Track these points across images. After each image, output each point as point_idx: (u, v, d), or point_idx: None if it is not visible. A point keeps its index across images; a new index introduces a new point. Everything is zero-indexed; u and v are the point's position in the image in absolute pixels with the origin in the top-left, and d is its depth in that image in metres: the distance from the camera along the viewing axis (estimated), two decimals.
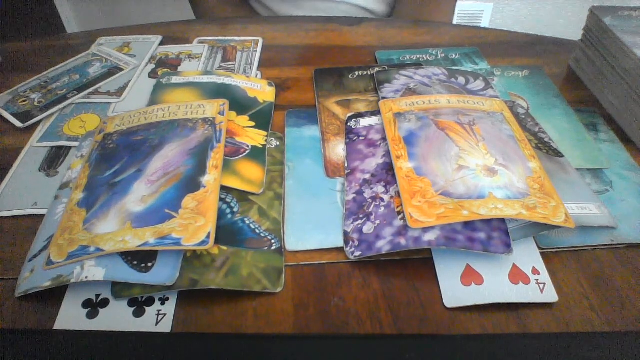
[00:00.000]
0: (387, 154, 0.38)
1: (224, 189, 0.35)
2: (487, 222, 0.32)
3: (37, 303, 0.30)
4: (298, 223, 0.35)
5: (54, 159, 0.40)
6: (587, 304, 0.30)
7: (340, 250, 0.33)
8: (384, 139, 0.40)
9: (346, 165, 0.39)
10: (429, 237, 0.31)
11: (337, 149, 0.41)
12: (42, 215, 0.35)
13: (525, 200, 0.32)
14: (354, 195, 0.36)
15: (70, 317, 0.29)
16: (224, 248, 0.32)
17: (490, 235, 0.31)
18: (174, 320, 0.29)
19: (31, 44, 0.57)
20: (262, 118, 0.44)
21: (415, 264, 0.32)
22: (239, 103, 0.45)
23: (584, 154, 0.40)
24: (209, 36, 0.58)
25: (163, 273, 0.30)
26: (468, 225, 0.32)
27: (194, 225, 0.31)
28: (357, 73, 0.50)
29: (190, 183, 0.34)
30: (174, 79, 0.48)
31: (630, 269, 0.32)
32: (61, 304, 0.30)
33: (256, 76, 0.51)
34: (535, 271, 0.31)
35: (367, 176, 0.37)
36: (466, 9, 1.50)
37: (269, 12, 0.74)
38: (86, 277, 0.29)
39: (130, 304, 0.30)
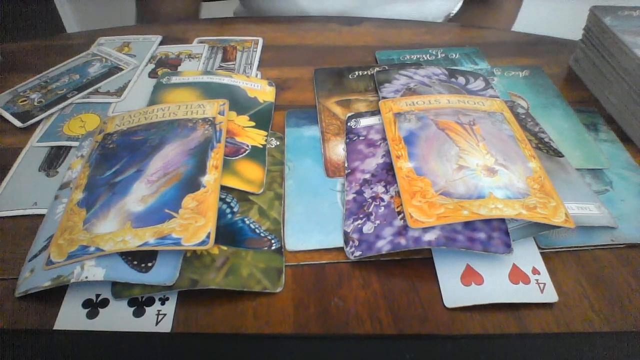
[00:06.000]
0: (387, 153, 0.38)
1: (224, 189, 0.35)
2: (487, 222, 0.32)
3: (37, 303, 0.30)
4: (298, 223, 0.35)
5: (54, 159, 0.40)
6: (587, 304, 0.30)
7: (340, 250, 0.33)
8: (384, 139, 0.40)
9: (346, 165, 0.39)
10: (429, 237, 0.31)
11: (337, 149, 0.41)
12: (42, 215, 0.35)
13: (525, 200, 0.32)
14: (354, 195, 0.36)
15: (70, 317, 0.29)
16: (224, 248, 0.32)
17: (490, 235, 0.31)
18: (174, 320, 0.29)
19: (31, 44, 0.57)
20: (262, 118, 0.44)
21: (415, 264, 0.32)
22: (239, 103, 0.45)
23: (584, 154, 0.40)
24: (209, 36, 0.58)
25: (163, 273, 0.30)
26: (468, 225, 0.32)
27: (194, 225, 0.31)
28: (357, 73, 0.50)
29: (190, 183, 0.34)
30: (174, 79, 0.48)
31: (630, 269, 0.32)
32: (61, 304, 0.30)
33: (256, 76, 0.51)
34: (535, 271, 0.31)
35: (367, 176, 0.37)
36: None
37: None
38: (86, 277, 0.29)
39: (130, 304, 0.29)
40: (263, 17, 0.69)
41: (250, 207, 0.35)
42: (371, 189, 0.36)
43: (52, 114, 0.45)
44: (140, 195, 0.33)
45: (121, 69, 0.51)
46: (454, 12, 0.79)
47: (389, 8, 0.68)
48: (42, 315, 0.29)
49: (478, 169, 0.35)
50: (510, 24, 0.76)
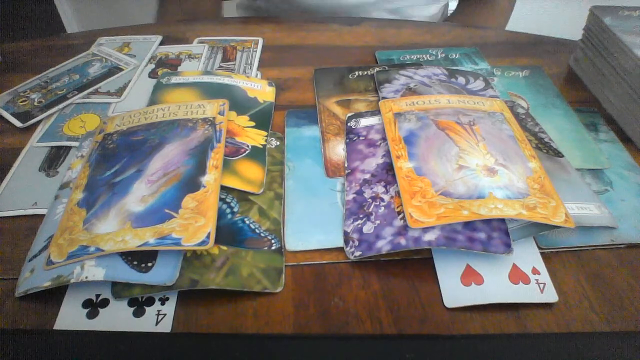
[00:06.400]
0: (387, 154, 0.38)
1: (224, 189, 0.35)
2: (487, 222, 0.32)
3: (37, 303, 0.30)
4: (298, 223, 0.35)
5: (54, 159, 0.40)
6: (587, 304, 0.30)
7: (340, 250, 0.33)
8: (384, 139, 0.40)
9: (346, 165, 0.39)
10: (429, 237, 0.31)
11: (337, 149, 0.41)
12: (42, 215, 0.35)
13: (525, 200, 0.32)
14: (354, 195, 0.36)
15: (70, 317, 0.29)
16: (224, 248, 0.32)
17: (490, 235, 0.31)
18: (174, 320, 0.29)
19: (31, 44, 0.57)
20: (262, 118, 0.44)
21: (415, 264, 0.32)
22: (239, 103, 0.45)
23: (584, 154, 0.40)
24: (209, 36, 0.58)
25: (163, 273, 0.30)
26: (468, 225, 0.32)
27: (194, 225, 0.31)
28: (357, 73, 0.50)
29: (190, 183, 0.34)
30: (174, 79, 0.48)
31: (630, 269, 0.32)
32: (61, 304, 0.30)
33: (256, 76, 0.51)
34: (535, 271, 0.31)
35: (367, 176, 0.37)
36: None
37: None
38: (86, 277, 0.29)
39: (130, 304, 0.29)
40: (263, 17, 0.69)
41: (250, 207, 0.35)
42: (371, 189, 0.36)
43: (52, 114, 0.45)
44: (140, 195, 0.33)
45: (121, 69, 0.51)
46: (452, 8, 0.79)
47: None
48: (42, 315, 0.29)
49: (478, 169, 0.35)
50: (504, 22, 0.77)
